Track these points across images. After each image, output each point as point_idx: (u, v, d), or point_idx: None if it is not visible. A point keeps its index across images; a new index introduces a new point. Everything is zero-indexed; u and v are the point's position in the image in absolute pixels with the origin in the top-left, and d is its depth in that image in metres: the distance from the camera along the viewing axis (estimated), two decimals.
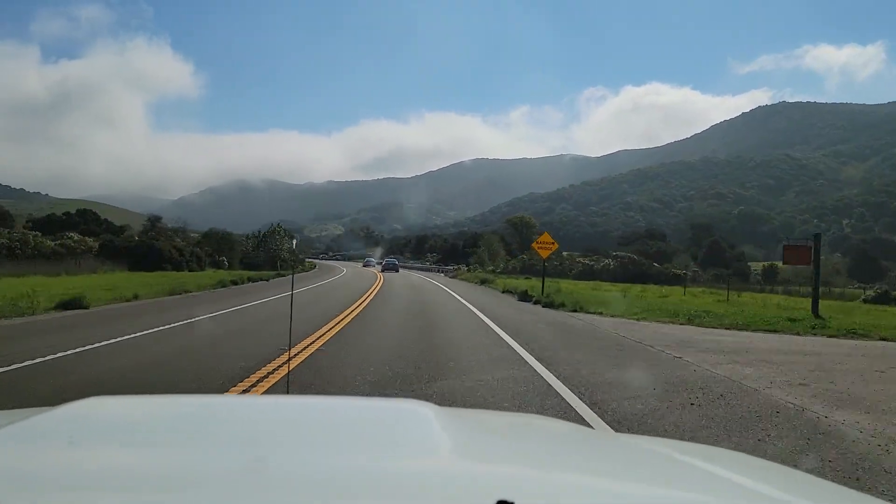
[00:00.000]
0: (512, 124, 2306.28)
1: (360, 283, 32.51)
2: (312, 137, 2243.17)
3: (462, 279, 44.01)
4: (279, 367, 7.15)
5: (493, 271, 52.34)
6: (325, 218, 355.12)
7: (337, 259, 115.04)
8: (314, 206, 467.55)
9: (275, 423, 1.40)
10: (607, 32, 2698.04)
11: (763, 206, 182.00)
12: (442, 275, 53.96)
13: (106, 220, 52.86)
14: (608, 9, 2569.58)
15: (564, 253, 66.31)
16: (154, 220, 58.08)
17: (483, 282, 36.40)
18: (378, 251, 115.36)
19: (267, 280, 33.18)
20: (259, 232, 56.28)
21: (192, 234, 54.27)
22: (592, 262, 59.98)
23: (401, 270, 58.59)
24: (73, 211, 52.80)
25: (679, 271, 57.39)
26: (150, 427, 1.36)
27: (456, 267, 60.99)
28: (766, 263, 76.05)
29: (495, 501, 0.78)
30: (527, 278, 36.36)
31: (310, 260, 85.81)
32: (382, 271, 52.26)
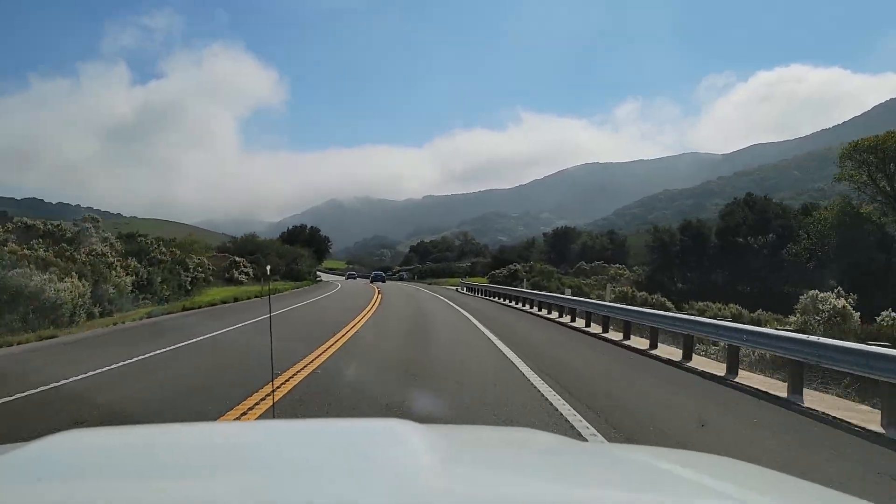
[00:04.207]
0: (620, 123, 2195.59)
1: None
2: (403, 150, 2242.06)
3: None
4: None
5: None
6: (421, 233, 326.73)
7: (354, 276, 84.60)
8: (413, 222, 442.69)
9: (259, 449, 1.34)
10: (732, 9, 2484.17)
11: None
12: None
13: None
14: None
15: None
16: None
17: None
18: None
19: None
20: None
21: None
22: None
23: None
24: None
25: None
26: (124, 460, 1.28)
27: None
28: None
29: None
30: None
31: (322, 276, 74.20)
32: (371, 282, 57.72)
